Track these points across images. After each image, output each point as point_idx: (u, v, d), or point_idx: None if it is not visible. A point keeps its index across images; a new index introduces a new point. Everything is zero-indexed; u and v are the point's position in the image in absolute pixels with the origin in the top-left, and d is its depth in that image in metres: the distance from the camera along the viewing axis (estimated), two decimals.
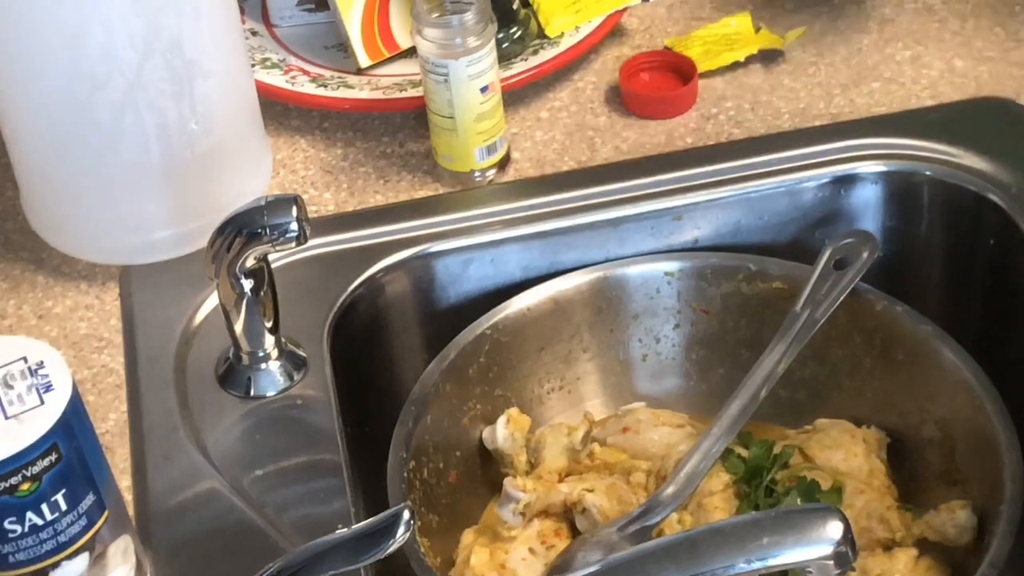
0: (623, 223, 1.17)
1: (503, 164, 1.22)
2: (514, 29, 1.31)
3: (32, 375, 0.84)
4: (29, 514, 0.84)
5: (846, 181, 1.18)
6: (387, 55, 1.33)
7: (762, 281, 1.16)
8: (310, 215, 1.01)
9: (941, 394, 1.08)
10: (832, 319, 1.10)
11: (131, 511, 0.98)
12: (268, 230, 0.98)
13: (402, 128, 1.28)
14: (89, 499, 0.86)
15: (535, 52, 1.31)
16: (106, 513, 0.88)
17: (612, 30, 1.33)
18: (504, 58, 1.28)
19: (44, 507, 0.84)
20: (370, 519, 0.81)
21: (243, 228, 0.99)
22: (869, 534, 1.05)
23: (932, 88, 1.25)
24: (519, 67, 1.29)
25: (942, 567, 1.04)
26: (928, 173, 1.17)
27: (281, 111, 1.30)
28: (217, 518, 0.99)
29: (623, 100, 1.27)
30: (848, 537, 0.74)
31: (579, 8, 1.32)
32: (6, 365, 0.85)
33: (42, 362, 0.85)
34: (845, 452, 1.10)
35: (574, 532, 1.08)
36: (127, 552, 0.91)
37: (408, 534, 0.80)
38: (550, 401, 1.19)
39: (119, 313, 1.14)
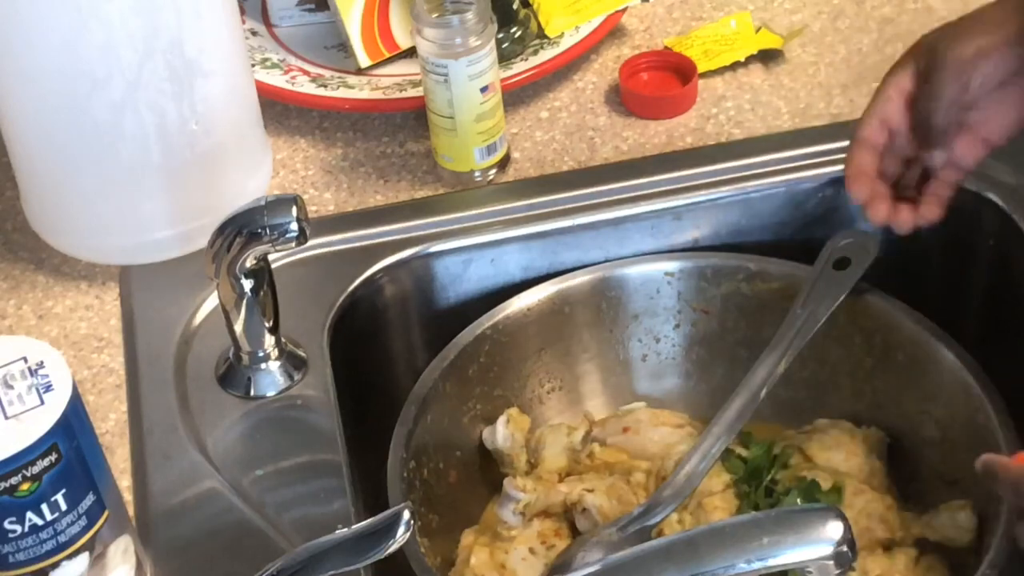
0: (623, 223, 1.17)
1: (503, 164, 1.22)
2: (514, 29, 1.31)
3: (32, 375, 0.84)
4: (29, 514, 0.84)
5: None
6: (387, 55, 1.33)
7: (762, 281, 1.16)
8: (310, 215, 1.01)
9: (941, 394, 1.08)
10: (832, 319, 1.10)
11: (131, 511, 0.98)
12: (268, 230, 0.98)
13: (402, 128, 1.28)
14: (89, 499, 0.86)
15: (535, 52, 1.31)
16: (106, 513, 0.88)
17: (612, 30, 1.33)
18: (504, 58, 1.28)
19: (44, 507, 0.84)
20: (370, 519, 0.81)
21: (243, 228, 0.99)
22: (869, 534, 1.05)
23: None
24: (519, 67, 1.29)
25: (942, 567, 1.04)
26: None
27: (281, 111, 1.30)
28: (217, 518, 0.99)
29: (623, 100, 1.27)
30: (848, 537, 0.74)
31: (579, 8, 1.32)
32: (6, 365, 0.85)
33: (42, 362, 0.85)
34: (845, 452, 1.10)
35: (574, 532, 1.08)
36: (127, 552, 0.91)
37: (408, 534, 0.80)
38: (550, 401, 1.19)
39: (119, 313, 1.14)
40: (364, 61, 1.32)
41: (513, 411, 1.15)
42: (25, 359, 0.85)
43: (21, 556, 0.85)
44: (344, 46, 1.33)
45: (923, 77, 1.06)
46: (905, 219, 1.11)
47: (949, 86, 1.04)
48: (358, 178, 1.23)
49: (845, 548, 0.73)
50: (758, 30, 1.33)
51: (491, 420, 1.14)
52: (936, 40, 1.06)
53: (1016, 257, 1.14)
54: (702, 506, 1.06)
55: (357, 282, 1.14)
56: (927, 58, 1.06)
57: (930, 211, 1.10)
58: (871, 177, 1.10)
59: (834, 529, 0.74)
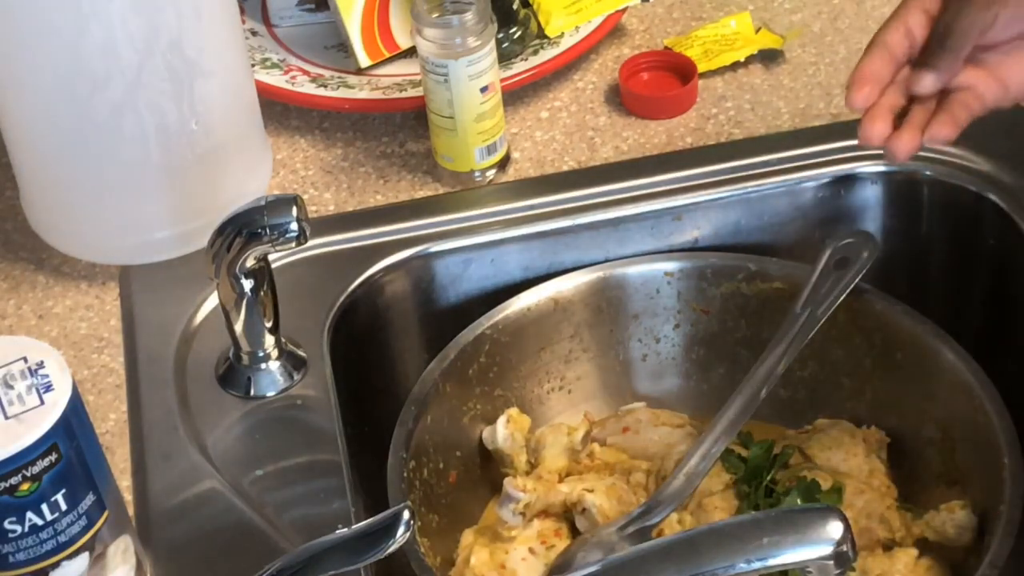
0: (623, 223, 1.17)
1: (503, 164, 1.22)
2: (514, 29, 1.31)
3: (32, 375, 0.84)
4: (29, 514, 0.84)
5: (846, 181, 1.18)
6: (387, 55, 1.33)
7: (762, 281, 1.16)
8: (310, 215, 1.01)
9: (941, 394, 1.08)
10: (832, 319, 1.10)
11: (131, 511, 0.98)
12: (268, 230, 0.98)
13: (402, 128, 1.28)
14: (89, 499, 0.87)
15: (535, 52, 1.31)
16: (106, 513, 0.88)
17: (612, 30, 1.33)
18: (504, 58, 1.28)
19: (44, 507, 0.84)
20: (370, 519, 0.81)
21: (243, 228, 0.99)
22: (869, 534, 1.05)
23: None
24: (519, 67, 1.29)
25: (942, 567, 1.04)
26: (928, 173, 1.17)
27: (281, 111, 1.30)
28: (217, 518, 0.99)
29: (623, 100, 1.27)
30: (848, 537, 0.74)
31: (579, 8, 1.32)
32: (6, 365, 0.85)
33: (42, 362, 0.85)
34: (845, 452, 1.10)
35: (574, 532, 1.08)
36: (127, 552, 0.91)
37: (408, 534, 0.80)
38: (550, 401, 1.19)
39: (119, 313, 1.14)
40: (364, 61, 1.32)
41: (513, 411, 1.15)
42: (25, 359, 0.85)
43: (21, 556, 0.85)
44: (344, 46, 1.33)
45: (956, 7, 0.99)
46: (905, 143, 1.00)
47: (976, 13, 0.98)
48: (358, 178, 1.23)
49: (845, 548, 0.73)
50: (758, 30, 1.33)
51: (491, 420, 1.14)
52: None
53: (1016, 257, 1.14)
54: (702, 506, 1.06)
55: (357, 282, 1.14)
56: None
57: (942, 129, 1.00)
58: (879, 86, 1.01)
59: (834, 529, 0.74)
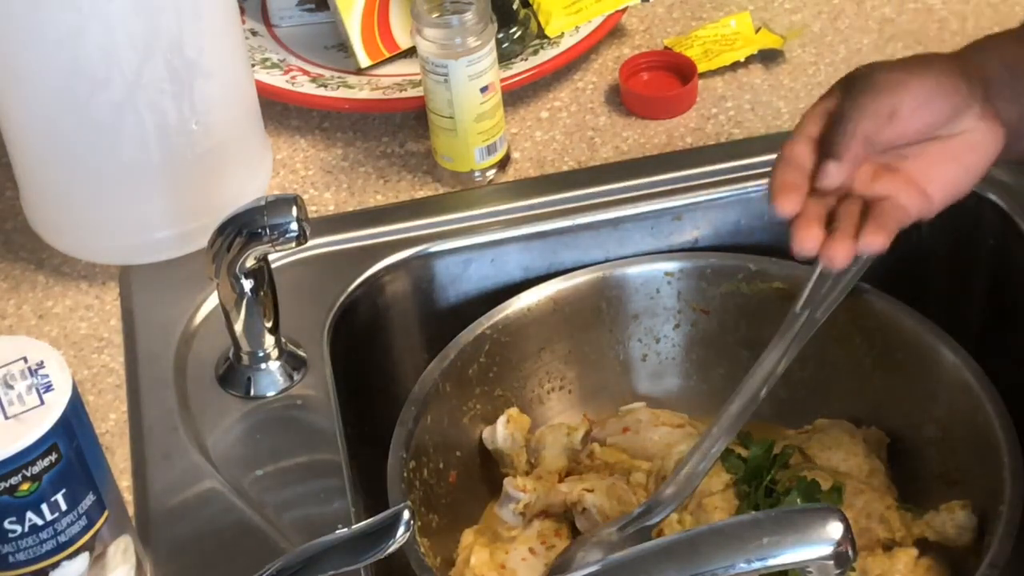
0: (623, 223, 1.17)
1: (503, 164, 1.22)
2: (514, 29, 1.31)
3: (32, 375, 0.84)
4: (29, 514, 0.84)
5: None
6: (387, 55, 1.33)
7: (762, 281, 1.16)
8: (310, 215, 1.01)
9: (941, 394, 1.08)
10: (832, 319, 1.10)
11: (131, 511, 0.98)
12: (268, 230, 0.98)
13: (402, 128, 1.28)
14: (89, 499, 0.87)
15: (535, 52, 1.31)
16: (106, 513, 0.88)
17: (612, 30, 1.33)
18: (504, 58, 1.28)
19: (44, 507, 0.84)
20: (370, 519, 0.81)
21: (243, 228, 0.99)
22: (869, 534, 1.05)
23: None
24: (519, 67, 1.29)
25: (942, 567, 1.04)
26: None
27: (281, 111, 1.30)
28: (217, 518, 0.99)
29: (623, 100, 1.27)
30: (848, 537, 0.74)
31: (579, 8, 1.32)
32: (6, 365, 0.85)
33: (42, 362, 0.85)
34: (845, 452, 1.10)
35: (574, 532, 1.08)
36: (127, 552, 0.91)
37: (408, 534, 0.80)
38: (550, 401, 1.19)
39: (119, 313, 1.14)
40: (364, 61, 1.32)
41: (513, 411, 1.15)
42: (25, 359, 0.85)
43: (21, 556, 0.85)
44: (344, 46, 1.33)
45: (851, 95, 1.00)
46: (840, 252, 0.97)
47: (877, 101, 0.98)
48: (358, 178, 1.23)
49: (845, 548, 0.73)
50: (758, 30, 1.33)
51: (491, 420, 1.14)
52: (868, 68, 1.01)
53: (1016, 257, 1.14)
54: (702, 506, 1.06)
55: (357, 282, 1.14)
56: (858, 81, 1.00)
57: (874, 239, 0.97)
58: (801, 193, 0.98)
59: (834, 529, 0.74)
